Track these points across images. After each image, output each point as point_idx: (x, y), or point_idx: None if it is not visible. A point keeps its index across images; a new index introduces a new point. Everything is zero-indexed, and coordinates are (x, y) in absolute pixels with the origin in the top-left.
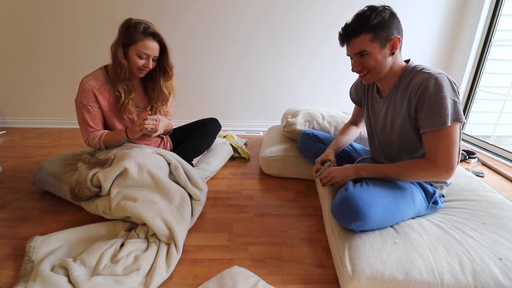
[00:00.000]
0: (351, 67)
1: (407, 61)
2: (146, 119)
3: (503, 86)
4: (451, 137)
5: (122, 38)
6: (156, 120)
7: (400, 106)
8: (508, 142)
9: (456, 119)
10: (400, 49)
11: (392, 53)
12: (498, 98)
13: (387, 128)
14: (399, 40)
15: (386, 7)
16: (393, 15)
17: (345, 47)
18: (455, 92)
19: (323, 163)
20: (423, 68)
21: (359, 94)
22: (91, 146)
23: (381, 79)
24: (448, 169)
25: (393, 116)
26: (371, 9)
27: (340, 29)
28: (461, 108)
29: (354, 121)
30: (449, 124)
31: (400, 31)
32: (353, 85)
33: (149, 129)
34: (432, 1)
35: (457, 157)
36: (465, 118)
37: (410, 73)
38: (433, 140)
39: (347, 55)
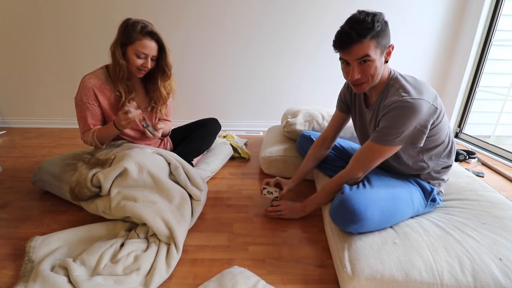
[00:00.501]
0: (343, 75)
1: (390, 70)
2: (128, 112)
3: (503, 86)
4: (382, 155)
5: (120, 38)
6: (156, 128)
7: (379, 117)
8: (508, 142)
9: (410, 143)
10: None
11: (386, 61)
12: (498, 98)
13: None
14: (393, 48)
15: (379, 13)
16: (386, 22)
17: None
18: (425, 119)
19: (276, 185)
20: (401, 87)
21: (347, 101)
22: (87, 143)
23: (372, 87)
24: (357, 178)
25: (374, 126)
26: (368, 14)
27: (337, 34)
28: (423, 135)
29: (325, 139)
30: (389, 146)
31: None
32: (340, 92)
33: (137, 120)
34: (432, 1)
35: (369, 170)
36: (465, 118)
37: (391, 88)
38: (367, 149)
39: (342, 59)
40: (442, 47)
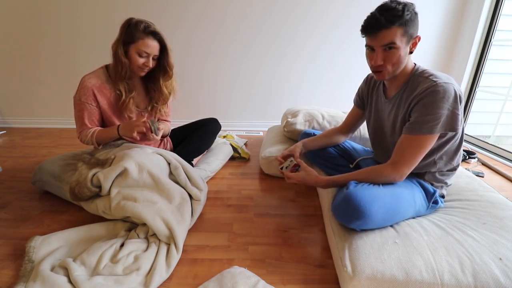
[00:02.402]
0: (367, 61)
1: (414, 64)
2: (146, 122)
3: (503, 86)
4: (423, 146)
5: (123, 37)
6: (158, 129)
7: (402, 109)
8: (508, 142)
9: (450, 129)
10: None
11: (411, 52)
12: (498, 98)
13: (389, 130)
14: (420, 39)
15: (410, 3)
16: (416, 13)
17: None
18: (456, 102)
19: (288, 156)
20: (431, 75)
21: (363, 96)
22: (84, 142)
23: (392, 77)
24: (403, 174)
25: (395, 118)
26: (400, 3)
27: (366, 19)
28: (459, 118)
29: (343, 129)
30: (430, 134)
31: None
32: (359, 88)
33: (149, 134)
34: (432, 1)
35: (415, 165)
36: (465, 118)
37: (418, 78)
38: (406, 142)
39: (368, 45)
40: (442, 47)
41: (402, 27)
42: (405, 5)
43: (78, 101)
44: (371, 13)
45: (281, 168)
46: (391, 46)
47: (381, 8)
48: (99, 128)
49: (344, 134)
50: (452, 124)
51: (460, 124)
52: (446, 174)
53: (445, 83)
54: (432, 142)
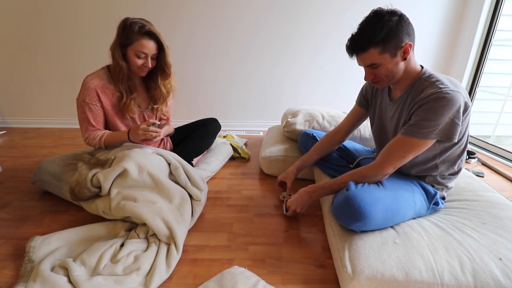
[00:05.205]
0: (364, 76)
1: (421, 66)
2: (150, 125)
3: (503, 86)
4: (414, 150)
5: (119, 39)
6: (159, 126)
7: (405, 113)
8: (508, 142)
9: (446, 137)
10: (413, 50)
11: (404, 59)
12: (498, 98)
13: (391, 132)
14: (411, 46)
15: (393, 12)
16: (401, 19)
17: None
18: (459, 112)
19: (281, 183)
20: (437, 80)
21: (368, 96)
22: (91, 145)
23: (395, 82)
24: (386, 175)
25: (397, 121)
26: (377, 18)
27: (347, 41)
28: (458, 128)
29: (340, 129)
30: (424, 139)
31: (411, 35)
32: (363, 87)
33: (153, 135)
34: (432, 1)
35: (400, 166)
36: None
37: (425, 82)
38: (398, 143)
39: (359, 64)
40: (442, 47)
41: (378, 47)
42: (381, 19)
43: (82, 102)
44: (351, 35)
45: (282, 200)
46: (373, 66)
47: (359, 29)
48: (108, 131)
49: (338, 140)
50: (448, 133)
51: (457, 134)
52: (447, 177)
53: (451, 90)
54: (425, 147)
